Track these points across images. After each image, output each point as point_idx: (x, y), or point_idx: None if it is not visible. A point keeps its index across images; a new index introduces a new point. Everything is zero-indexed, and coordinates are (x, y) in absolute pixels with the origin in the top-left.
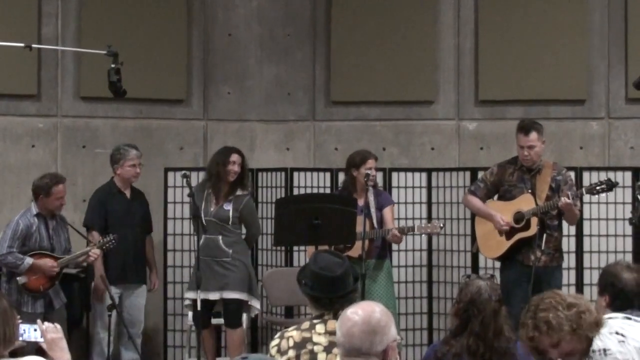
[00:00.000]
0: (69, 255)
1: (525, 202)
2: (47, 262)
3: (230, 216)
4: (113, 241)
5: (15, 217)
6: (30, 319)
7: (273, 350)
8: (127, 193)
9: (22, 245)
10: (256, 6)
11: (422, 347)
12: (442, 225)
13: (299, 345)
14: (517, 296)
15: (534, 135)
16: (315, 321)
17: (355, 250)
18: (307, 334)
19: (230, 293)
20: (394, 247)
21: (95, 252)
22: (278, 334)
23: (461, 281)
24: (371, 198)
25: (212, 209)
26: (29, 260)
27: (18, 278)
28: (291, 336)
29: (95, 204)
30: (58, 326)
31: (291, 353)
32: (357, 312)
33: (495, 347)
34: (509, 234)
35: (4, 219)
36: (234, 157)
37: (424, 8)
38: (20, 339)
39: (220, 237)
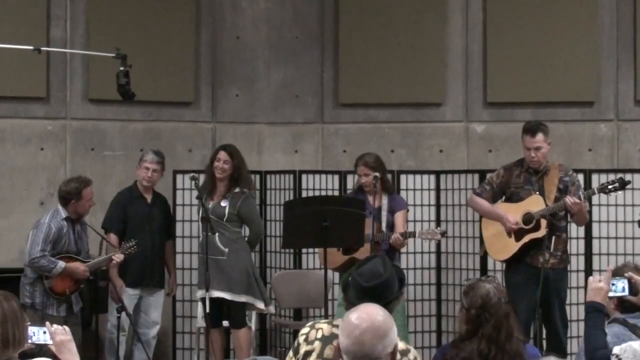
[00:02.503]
0: (94, 260)
1: (534, 203)
2: (79, 267)
3: (226, 213)
4: (134, 246)
5: (44, 219)
6: (55, 322)
7: (301, 338)
8: (148, 198)
9: (52, 249)
10: (264, 8)
11: (430, 349)
12: (442, 232)
13: (327, 339)
14: (525, 298)
15: (540, 136)
16: None
17: (363, 253)
18: (336, 331)
19: (227, 294)
20: (403, 249)
21: (119, 257)
22: (310, 323)
23: (463, 285)
24: (384, 201)
25: (209, 207)
26: (61, 264)
27: (45, 281)
28: (321, 328)
29: (115, 207)
30: (67, 328)
31: (317, 345)
32: (364, 318)
33: (507, 349)
34: (519, 235)
35: (13, 221)
36: (220, 155)
37: (432, 10)
38: (30, 341)
39: (216, 235)
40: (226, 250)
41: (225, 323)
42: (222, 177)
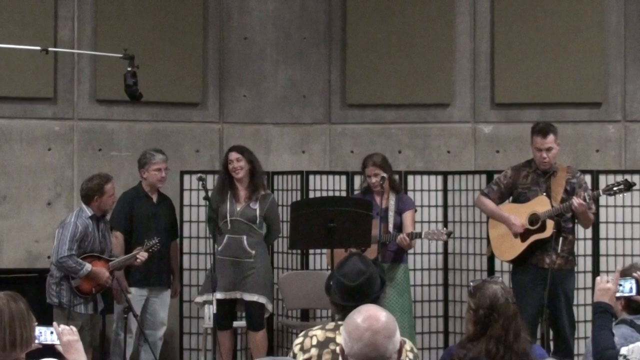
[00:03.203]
0: (118, 259)
1: (540, 204)
2: (104, 273)
3: (257, 215)
4: (157, 244)
5: (69, 219)
6: (83, 320)
7: (296, 348)
8: (154, 197)
9: (78, 248)
10: (272, 9)
11: (437, 350)
12: (448, 232)
13: (322, 345)
14: (531, 299)
15: (551, 137)
16: (340, 322)
17: (371, 254)
18: (331, 334)
19: (252, 295)
20: (410, 250)
21: (144, 255)
22: (303, 332)
23: (469, 286)
24: (392, 202)
25: (238, 209)
26: (88, 267)
27: (72, 281)
28: (315, 335)
29: (121, 206)
30: (74, 329)
31: (313, 351)
32: (371, 320)
33: (515, 349)
34: (524, 235)
35: (20, 221)
36: (232, 156)
37: (440, 11)
38: (37, 341)
39: (244, 237)
40: (253, 252)
41: (237, 324)
42: (242, 176)
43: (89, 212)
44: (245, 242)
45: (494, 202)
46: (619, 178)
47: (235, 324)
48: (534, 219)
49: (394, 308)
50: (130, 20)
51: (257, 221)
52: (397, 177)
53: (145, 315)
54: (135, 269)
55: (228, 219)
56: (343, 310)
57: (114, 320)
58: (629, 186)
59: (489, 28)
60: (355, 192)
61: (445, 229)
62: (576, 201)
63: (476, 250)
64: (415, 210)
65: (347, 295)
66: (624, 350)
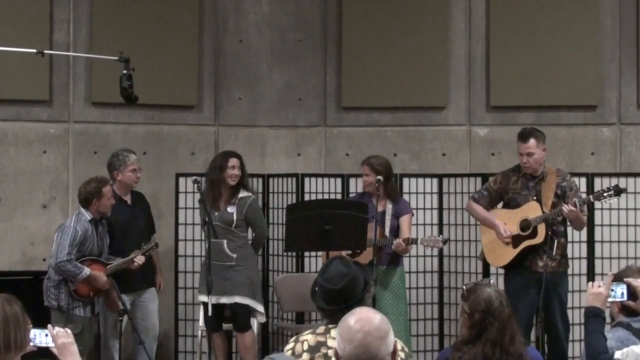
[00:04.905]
0: (116, 262)
1: (531, 210)
2: (102, 277)
3: (235, 219)
4: (154, 247)
5: (69, 223)
6: (82, 323)
7: (288, 354)
8: (128, 199)
9: (77, 252)
10: (267, 12)
11: (432, 352)
12: (444, 239)
13: (314, 349)
14: (524, 302)
15: (532, 142)
16: (330, 326)
17: (366, 257)
18: (321, 338)
19: (233, 297)
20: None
21: (141, 259)
22: (293, 338)
23: (464, 289)
24: (389, 205)
25: (216, 213)
26: (86, 272)
27: (70, 284)
28: (306, 340)
29: None
30: (69, 331)
31: (305, 356)
32: (363, 321)
33: (511, 352)
34: (516, 241)
35: (16, 224)
36: (233, 162)
37: (435, 14)
38: (31, 344)
39: (225, 242)
40: (234, 256)
41: (225, 326)
42: (235, 184)
43: (88, 215)
44: (225, 246)
45: (483, 207)
46: (614, 181)
47: (224, 326)
48: (525, 225)
49: (389, 311)
50: (125, 22)
51: (234, 225)
52: (394, 183)
53: (135, 320)
54: (122, 275)
55: (211, 223)
56: (329, 314)
57: (100, 326)
58: (618, 192)
59: (484, 31)
60: (351, 195)
61: (441, 236)
62: (566, 208)
63: (471, 253)
64: (412, 215)
65: (331, 298)
66: (618, 354)
